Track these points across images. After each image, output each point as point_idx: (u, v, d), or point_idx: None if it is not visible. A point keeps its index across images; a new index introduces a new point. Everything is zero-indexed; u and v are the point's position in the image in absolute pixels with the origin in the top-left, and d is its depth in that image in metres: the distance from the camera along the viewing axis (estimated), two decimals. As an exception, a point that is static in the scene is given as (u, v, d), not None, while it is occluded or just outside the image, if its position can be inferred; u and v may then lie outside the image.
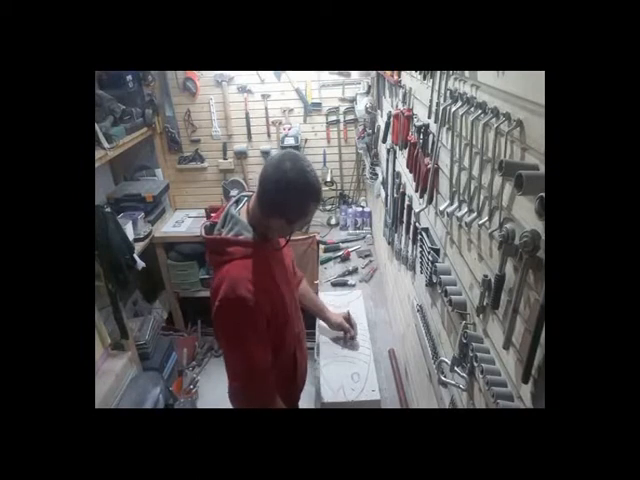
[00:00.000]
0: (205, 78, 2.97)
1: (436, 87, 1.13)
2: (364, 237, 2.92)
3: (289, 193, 1.14)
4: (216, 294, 1.17)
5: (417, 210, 1.41)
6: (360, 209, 3.03)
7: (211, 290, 1.22)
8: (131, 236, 2.55)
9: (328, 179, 3.10)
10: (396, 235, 1.82)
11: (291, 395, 1.49)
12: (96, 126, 2.23)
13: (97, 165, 2.21)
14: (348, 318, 1.89)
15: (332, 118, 3.07)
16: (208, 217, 3.04)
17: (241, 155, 3.17)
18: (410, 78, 1.52)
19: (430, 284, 1.27)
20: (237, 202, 1.31)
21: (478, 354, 0.82)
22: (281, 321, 1.31)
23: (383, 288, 2.41)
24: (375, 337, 1.99)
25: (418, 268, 1.44)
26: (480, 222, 0.84)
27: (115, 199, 2.83)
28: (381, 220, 2.32)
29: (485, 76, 0.82)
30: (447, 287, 1.01)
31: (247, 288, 1.15)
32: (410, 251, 1.58)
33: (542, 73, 0.56)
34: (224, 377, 1.30)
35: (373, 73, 2.51)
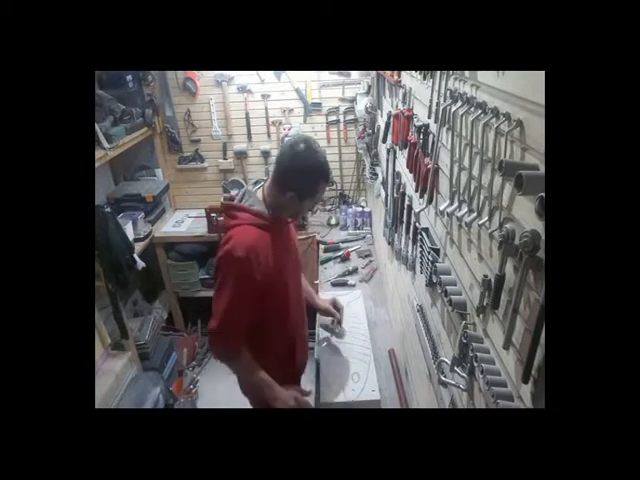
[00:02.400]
0: (205, 78, 2.97)
1: (436, 87, 1.13)
2: (364, 237, 2.92)
3: (301, 169, 1.29)
4: (222, 247, 1.29)
5: (417, 210, 1.41)
6: (360, 209, 3.03)
7: (218, 247, 1.34)
8: (131, 236, 2.55)
9: (328, 179, 3.10)
10: (396, 235, 1.82)
11: (287, 377, 1.53)
12: (96, 126, 2.23)
13: (97, 165, 2.21)
14: (334, 303, 1.92)
15: (332, 118, 3.07)
16: (209, 217, 3.03)
17: (241, 155, 3.17)
18: (410, 78, 1.52)
19: (430, 284, 1.27)
20: (255, 184, 1.45)
21: (478, 354, 0.82)
22: (281, 299, 1.42)
23: (383, 288, 2.41)
24: (375, 337, 1.99)
25: (418, 268, 1.44)
26: (480, 222, 0.84)
27: (115, 199, 2.83)
28: (381, 220, 2.32)
29: (485, 76, 0.82)
30: (447, 287, 1.01)
31: (246, 252, 1.25)
32: (410, 251, 1.58)
33: (542, 73, 0.56)
34: (224, 377, 1.32)
35: (373, 73, 2.51)
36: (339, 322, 1.90)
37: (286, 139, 2.97)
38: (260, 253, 1.29)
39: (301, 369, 1.69)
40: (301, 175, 1.30)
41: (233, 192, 3.02)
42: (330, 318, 1.89)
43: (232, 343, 1.37)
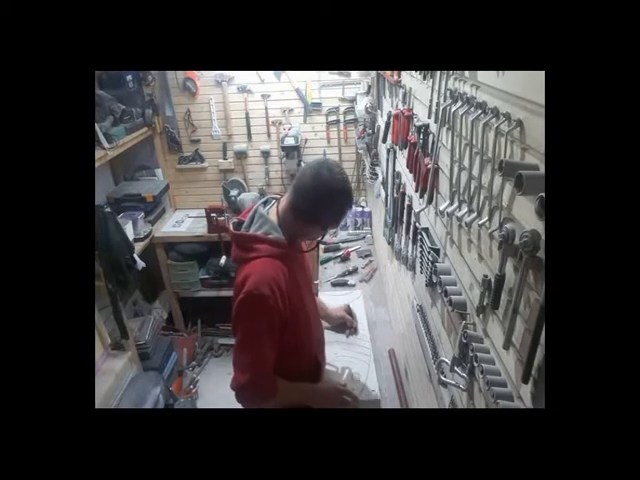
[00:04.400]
0: (205, 78, 2.97)
1: (436, 87, 1.13)
2: (364, 237, 2.92)
3: (331, 203, 1.20)
4: (240, 288, 1.18)
5: (417, 210, 1.41)
6: (360, 209, 3.03)
7: (234, 285, 1.24)
8: (131, 236, 2.55)
9: (328, 179, 3.10)
10: (396, 235, 1.82)
11: None
12: (96, 126, 2.23)
13: (97, 165, 2.21)
14: (349, 310, 1.94)
15: (332, 118, 3.07)
16: (209, 217, 3.04)
17: (241, 155, 3.17)
18: (410, 78, 1.52)
19: (430, 284, 1.27)
20: (265, 203, 1.33)
21: (478, 354, 0.82)
22: (302, 325, 1.33)
23: (383, 288, 2.41)
24: (375, 337, 1.99)
25: (418, 268, 1.44)
26: (480, 222, 0.84)
27: (115, 199, 2.83)
28: (381, 220, 2.32)
29: (485, 76, 0.82)
30: (447, 287, 1.01)
31: (271, 287, 1.16)
32: (410, 251, 1.58)
33: (542, 73, 0.56)
34: (224, 377, 1.30)
35: (373, 73, 2.51)
36: (355, 330, 1.91)
37: (286, 141, 2.95)
38: (282, 284, 1.19)
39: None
40: (327, 208, 1.21)
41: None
42: (346, 330, 1.91)
43: (268, 390, 1.25)
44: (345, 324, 1.92)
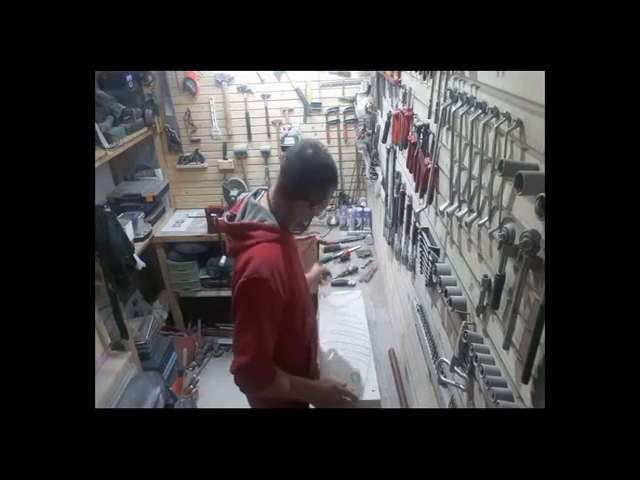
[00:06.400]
0: (205, 78, 2.97)
1: (436, 87, 1.13)
2: (364, 237, 2.92)
3: (314, 177, 1.24)
4: (241, 272, 1.18)
5: (417, 210, 1.41)
6: (360, 209, 3.03)
7: (234, 271, 1.24)
8: (131, 236, 2.55)
9: (328, 179, 3.10)
10: (396, 235, 1.82)
11: None
12: (96, 126, 2.23)
13: (97, 165, 2.21)
14: (321, 267, 1.95)
15: (332, 118, 3.07)
16: (209, 217, 3.04)
17: (241, 155, 3.17)
18: (410, 78, 1.52)
19: (430, 284, 1.27)
20: (255, 195, 1.36)
21: (478, 354, 0.82)
22: (299, 310, 1.36)
23: (383, 288, 2.41)
24: (375, 337, 1.99)
25: (418, 268, 1.44)
26: (480, 222, 0.84)
27: (115, 199, 2.83)
28: (381, 220, 2.32)
29: (485, 76, 0.82)
30: (447, 287, 1.01)
31: (271, 271, 1.18)
32: (410, 251, 1.58)
33: (542, 73, 0.56)
34: (224, 377, 1.30)
35: (373, 73, 2.51)
36: (329, 274, 1.93)
37: (286, 141, 2.95)
38: (281, 269, 1.22)
39: (315, 375, 1.62)
40: (311, 182, 1.24)
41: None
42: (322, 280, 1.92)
43: (268, 373, 1.26)
44: (320, 277, 1.89)
